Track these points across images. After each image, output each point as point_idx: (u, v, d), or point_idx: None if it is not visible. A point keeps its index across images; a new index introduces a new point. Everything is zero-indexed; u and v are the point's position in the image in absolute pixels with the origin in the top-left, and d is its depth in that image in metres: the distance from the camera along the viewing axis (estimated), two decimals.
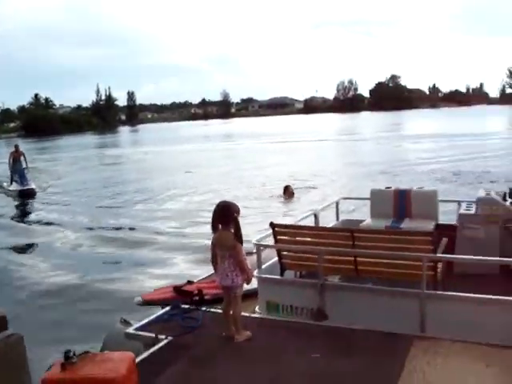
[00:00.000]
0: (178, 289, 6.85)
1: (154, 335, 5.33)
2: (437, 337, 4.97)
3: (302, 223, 7.18)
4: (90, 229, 16.09)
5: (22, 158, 24.43)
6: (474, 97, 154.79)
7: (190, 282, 7.23)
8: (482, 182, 20.54)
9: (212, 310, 6.00)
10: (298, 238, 6.19)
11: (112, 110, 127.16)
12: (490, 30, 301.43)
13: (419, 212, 7.82)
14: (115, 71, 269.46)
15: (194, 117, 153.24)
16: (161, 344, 5.17)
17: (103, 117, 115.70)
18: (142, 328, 5.61)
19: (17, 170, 23.92)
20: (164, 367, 4.68)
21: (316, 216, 7.71)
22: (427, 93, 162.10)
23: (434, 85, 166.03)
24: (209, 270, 7.74)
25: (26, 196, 22.56)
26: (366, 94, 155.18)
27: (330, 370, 4.51)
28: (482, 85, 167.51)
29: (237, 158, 36.94)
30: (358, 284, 5.74)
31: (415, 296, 5.23)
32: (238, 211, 5.07)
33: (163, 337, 5.28)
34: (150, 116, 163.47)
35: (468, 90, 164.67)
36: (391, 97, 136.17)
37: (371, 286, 5.57)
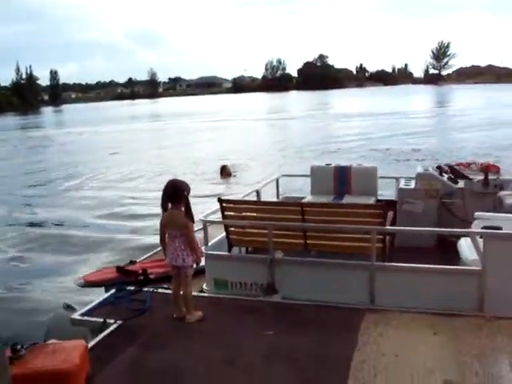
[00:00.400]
0: (121, 269, 6.57)
1: (101, 320, 5.15)
2: (386, 307, 5.10)
3: (243, 199, 7.14)
4: (10, 224, 14.59)
5: None
6: (400, 77, 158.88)
7: (132, 262, 6.99)
8: (410, 159, 21.22)
9: (159, 290, 5.87)
10: (245, 214, 6.11)
11: (34, 90, 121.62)
12: (413, 12, 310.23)
13: (359, 188, 7.96)
14: (36, 48, 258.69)
15: (121, 96, 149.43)
16: (110, 329, 5.00)
17: (24, 97, 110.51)
18: (88, 313, 5.40)
19: None
20: (115, 353, 4.53)
21: (258, 193, 7.70)
22: (354, 72, 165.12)
23: (361, 65, 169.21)
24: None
25: None
26: (295, 74, 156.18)
27: (284, 346, 4.52)
28: (406, 65, 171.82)
29: (166, 138, 36.39)
30: (304, 258, 5.77)
31: (365, 268, 5.33)
32: (188, 190, 4.97)
33: (112, 321, 5.11)
34: (74, 96, 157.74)
35: (394, 69, 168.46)
36: (319, 76, 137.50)
37: (323, 259, 5.58)
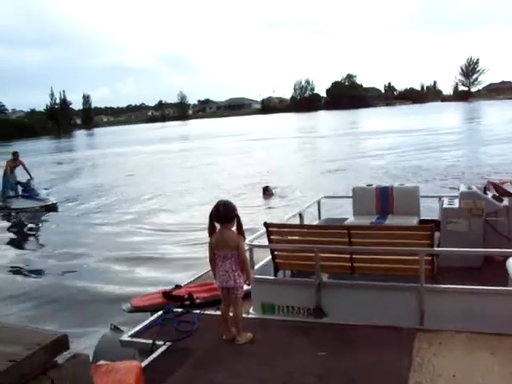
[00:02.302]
0: (167, 294, 6.61)
1: (150, 341, 5.17)
2: (437, 329, 4.99)
3: (289, 223, 7.14)
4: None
5: (20, 167, 20.74)
6: (429, 94, 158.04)
7: (178, 287, 7.02)
8: (447, 176, 20.94)
9: (207, 312, 5.88)
10: (291, 237, 6.10)
11: (67, 114, 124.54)
12: (440, 28, 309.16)
13: (402, 208, 7.88)
14: (69, 73, 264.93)
15: (151, 119, 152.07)
16: (160, 350, 5.02)
17: (58, 121, 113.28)
18: (137, 334, 5.44)
19: (19, 182, 20.37)
20: (167, 374, 4.55)
21: (301, 215, 7.68)
22: (383, 91, 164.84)
23: (390, 83, 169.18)
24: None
25: (49, 212, 19.55)
26: (323, 94, 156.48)
27: (339, 367, 4.46)
28: (435, 82, 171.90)
29: (199, 159, 36.51)
30: (353, 281, 5.72)
31: (413, 290, 5.24)
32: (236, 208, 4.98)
33: (161, 343, 5.13)
34: (105, 119, 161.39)
35: (422, 87, 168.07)
36: (347, 96, 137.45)
37: (371, 282, 5.52)
